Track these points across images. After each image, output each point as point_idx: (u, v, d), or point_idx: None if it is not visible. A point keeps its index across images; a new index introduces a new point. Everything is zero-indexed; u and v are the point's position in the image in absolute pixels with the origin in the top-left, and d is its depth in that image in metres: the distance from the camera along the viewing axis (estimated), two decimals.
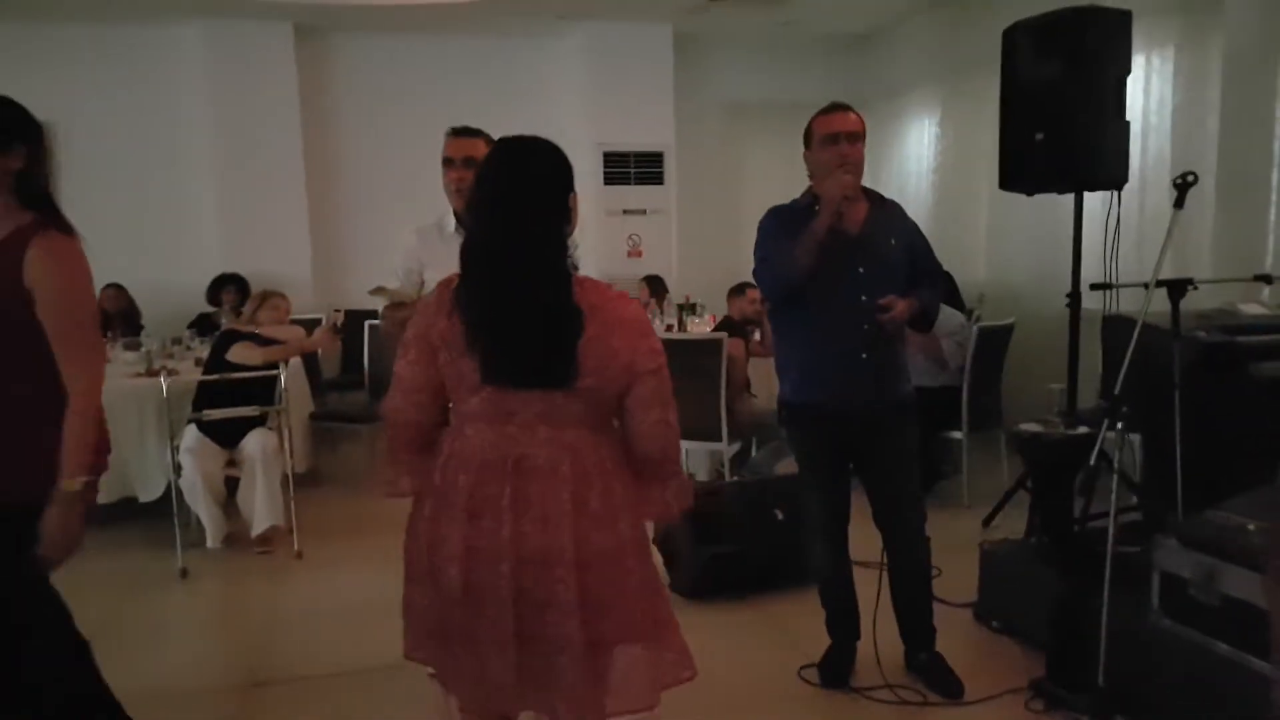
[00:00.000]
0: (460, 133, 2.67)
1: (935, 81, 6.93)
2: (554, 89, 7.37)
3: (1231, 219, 4.28)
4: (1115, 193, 3.41)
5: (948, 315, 4.97)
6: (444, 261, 2.44)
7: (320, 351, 5.53)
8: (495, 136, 2.54)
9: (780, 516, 3.60)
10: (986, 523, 4.24)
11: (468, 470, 1.63)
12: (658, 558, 3.53)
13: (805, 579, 3.26)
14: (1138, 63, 4.83)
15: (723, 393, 4.42)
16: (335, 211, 7.07)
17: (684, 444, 4.65)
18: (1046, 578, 2.95)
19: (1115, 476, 2.46)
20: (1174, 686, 2.44)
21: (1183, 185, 2.48)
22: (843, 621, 2.91)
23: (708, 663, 2.98)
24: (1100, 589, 2.48)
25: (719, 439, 4.47)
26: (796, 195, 2.84)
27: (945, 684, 2.77)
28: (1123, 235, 4.97)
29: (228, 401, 4.19)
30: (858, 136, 2.68)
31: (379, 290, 2.66)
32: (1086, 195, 3.52)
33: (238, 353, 4.27)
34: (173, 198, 6.75)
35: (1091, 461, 2.52)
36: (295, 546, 4.19)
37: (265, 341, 4.37)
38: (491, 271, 1.61)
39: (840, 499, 2.83)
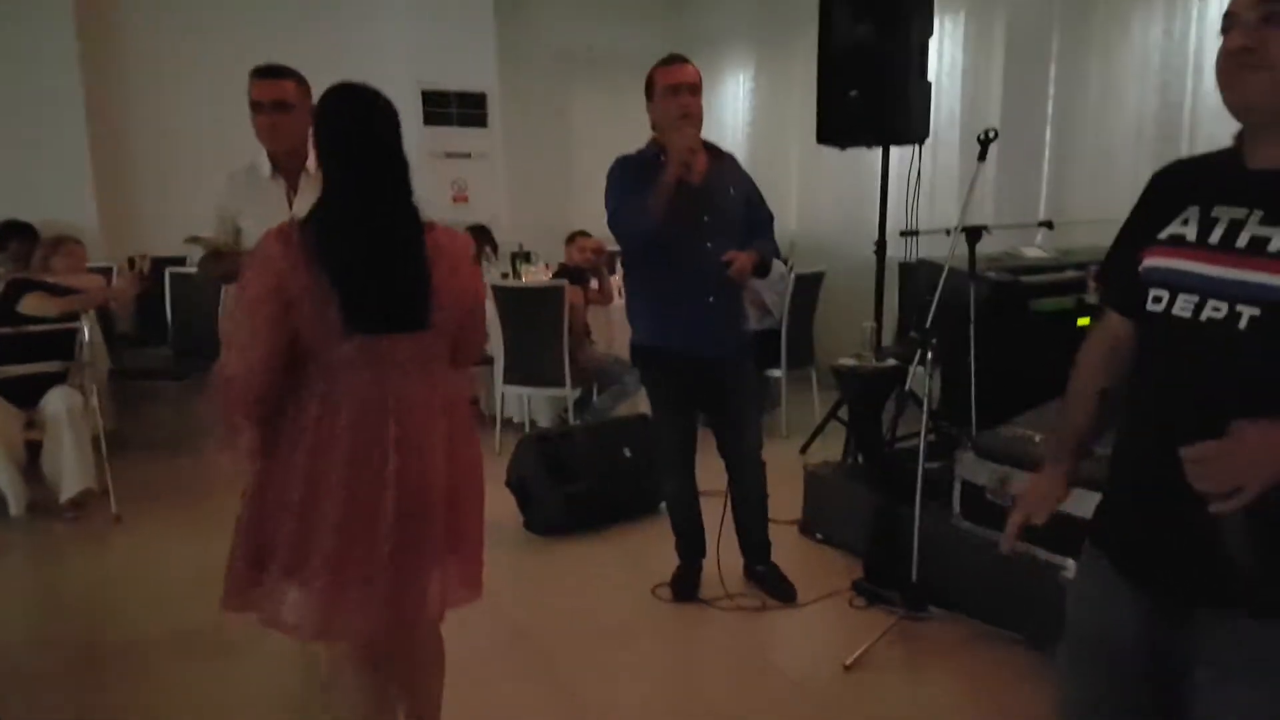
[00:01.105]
0: (266, 73, 2.49)
1: (751, 38, 7.21)
2: (370, 23, 7.04)
3: (1013, 172, 4.81)
4: (917, 147, 3.78)
5: (774, 264, 5.30)
6: (261, 207, 2.40)
7: (113, 304, 5.10)
8: (303, 74, 2.50)
9: (628, 454, 3.78)
10: (804, 450, 4.62)
11: (348, 414, 1.67)
12: (510, 500, 3.65)
13: (652, 510, 3.49)
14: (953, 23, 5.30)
15: (565, 340, 4.52)
16: (125, 154, 6.44)
17: (527, 390, 4.74)
18: (862, 493, 3.33)
19: (926, 400, 2.78)
20: (974, 579, 2.83)
21: (985, 140, 2.80)
22: (691, 542, 3.13)
23: (571, 594, 3.19)
24: (908, 500, 2.82)
25: (562, 385, 4.58)
26: (623, 143, 2.97)
27: (780, 590, 3.08)
28: (939, 185, 5.47)
29: (22, 357, 3.84)
30: (697, 89, 2.82)
31: (194, 239, 2.51)
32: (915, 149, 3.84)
33: (31, 303, 3.88)
34: None
35: (908, 388, 2.84)
36: (113, 509, 3.92)
37: (62, 291, 4.01)
38: (357, 221, 1.66)
39: (689, 432, 3.03)
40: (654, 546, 3.24)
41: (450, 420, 1.78)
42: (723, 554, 3.12)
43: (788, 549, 3.38)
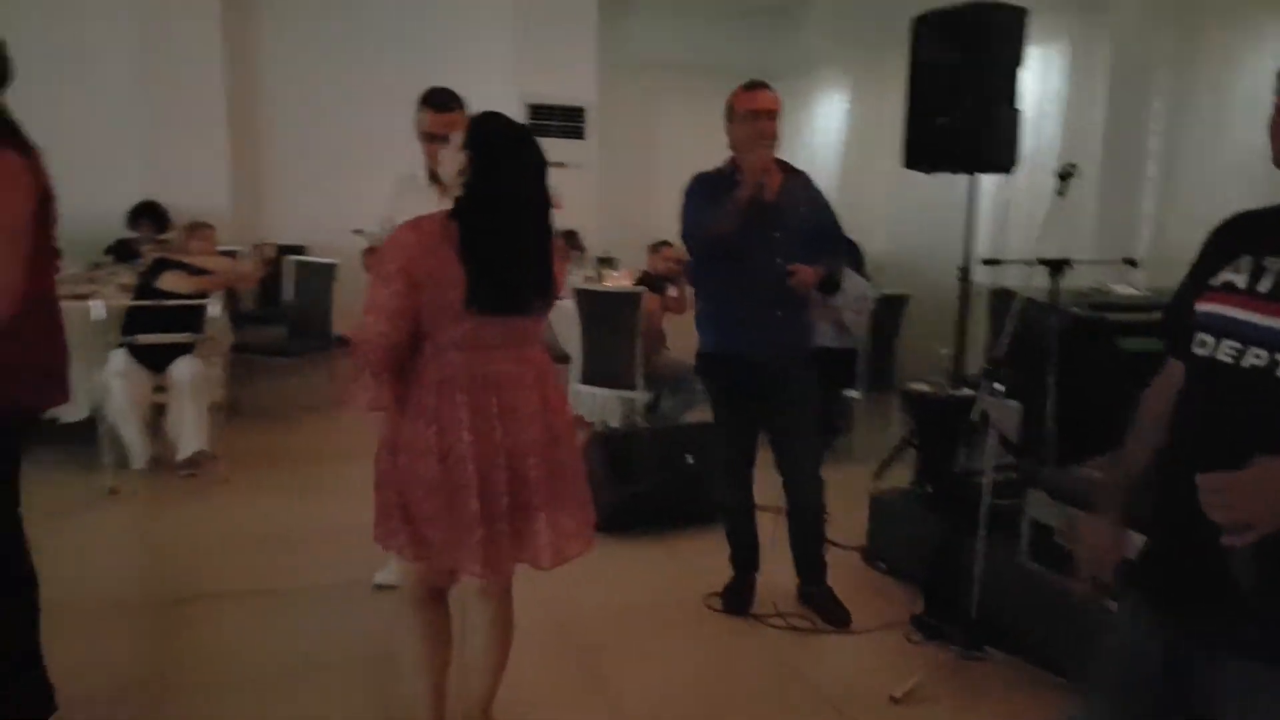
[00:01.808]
0: (440, 107, 2.81)
1: (848, 59, 7.22)
2: (480, 40, 7.36)
3: (1113, 205, 4.71)
4: (1005, 175, 3.76)
5: (855, 282, 5.32)
6: (417, 210, 2.62)
7: (245, 284, 5.54)
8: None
9: (690, 461, 3.90)
10: (877, 475, 4.62)
11: (462, 389, 1.97)
12: None
13: (711, 519, 3.57)
14: (1034, 55, 5.22)
15: (638, 344, 4.66)
16: (258, 146, 6.95)
17: (601, 391, 4.90)
18: (928, 524, 3.31)
19: (991, 431, 2.80)
20: (1037, 622, 2.79)
21: (1064, 175, 2.81)
22: (745, 555, 3.22)
23: (620, 591, 3.32)
24: (974, 534, 2.82)
25: (633, 387, 4.72)
26: (711, 156, 3.09)
27: (834, 614, 3.11)
28: (1013, 214, 5.40)
29: (158, 328, 4.23)
30: (775, 114, 2.93)
31: (358, 232, 2.94)
32: (983, 176, 3.84)
33: (170, 280, 4.29)
34: (90, 125, 6.48)
35: (974, 418, 2.85)
36: (222, 470, 4.29)
37: (197, 271, 4.40)
38: (509, 221, 1.96)
39: (748, 443, 3.12)
40: (711, 556, 3.33)
41: (542, 392, 2.06)
42: (780, 571, 3.19)
43: (849, 575, 3.43)
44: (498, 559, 2.02)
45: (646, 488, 3.80)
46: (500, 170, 1.94)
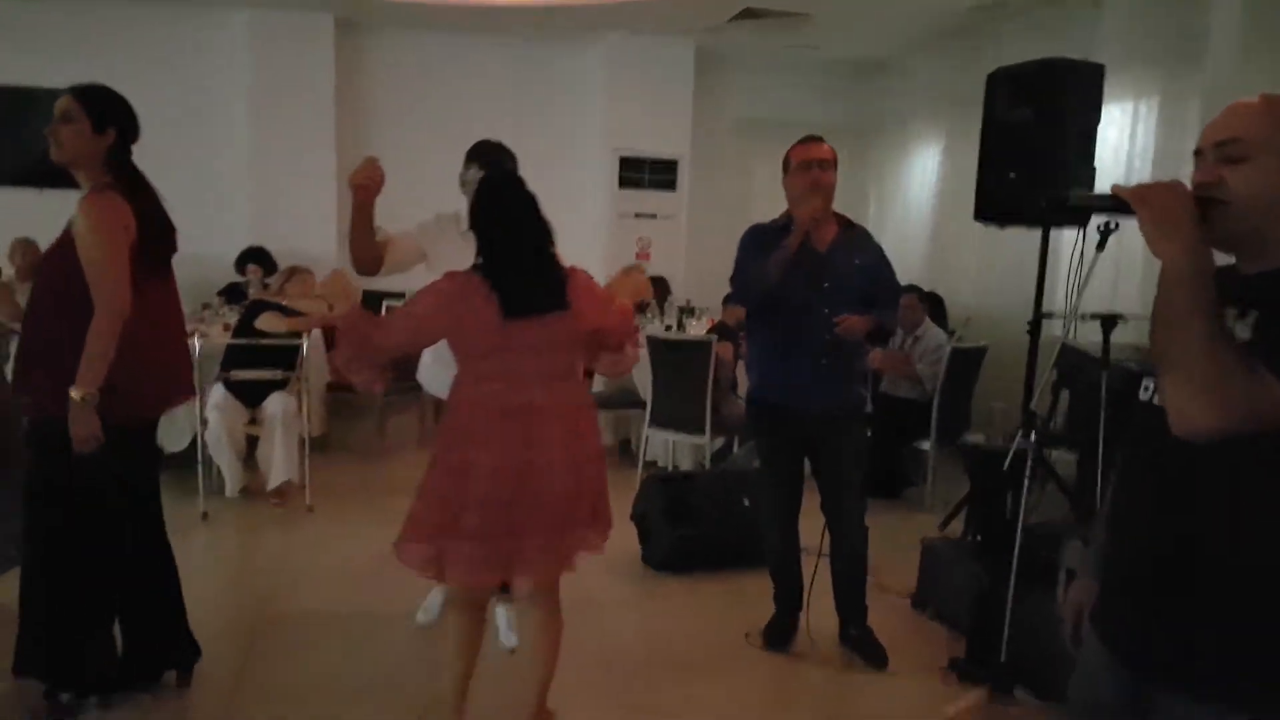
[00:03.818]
0: (499, 168, 2.85)
1: (939, 113, 7.24)
2: (576, 94, 7.74)
3: None
4: (1080, 230, 3.72)
5: (931, 334, 5.31)
6: (448, 249, 2.81)
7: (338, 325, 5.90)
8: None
9: (747, 504, 3.94)
10: (943, 525, 4.55)
11: (494, 415, 2.21)
12: (633, 532, 3.91)
13: (765, 562, 3.61)
14: (1124, 109, 5.17)
15: (709, 391, 4.76)
16: None
17: (671, 435, 5.01)
18: (974, 571, 3.28)
19: (1026, 483, 2.78)
20: (1068, 668, 2.75)
21: (1105, 231, 2.80)
22: (787, 595, 3.25)
23: (669, 626, 3.39)
24: (1021, 583, 2.82)
25: (703, 433, 4.81)
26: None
27: (871, 654, 3.11)
28: (1100, 270, 5.25)
29: (253, 364, 4.58)
30: (829, 164, 3.01)
31: (380, 229, 2.94)
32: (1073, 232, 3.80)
33: (265, 321, 4.65)
34: (208, 173, 7.11)
35: (1022, 469, 2.84)
36: (307, 501, 4.58)
37: (291, 312, 4.76)
38: (513, 246, 2.29)
39: (793, 487, 3.17)
40: (759, 596, 3.36)
41: (567, 421, 2.27)
42: (822, 613, 3.21)
43: (895, 619, 3.43)
44: (526, 567, 2.25)
45: (701, 529, 3.87)
46: (496, 215, 2.31)
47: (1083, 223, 3.73)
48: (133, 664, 2.68)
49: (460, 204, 2.95)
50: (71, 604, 2.53)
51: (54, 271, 2.42)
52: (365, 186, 2.64)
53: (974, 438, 3.52)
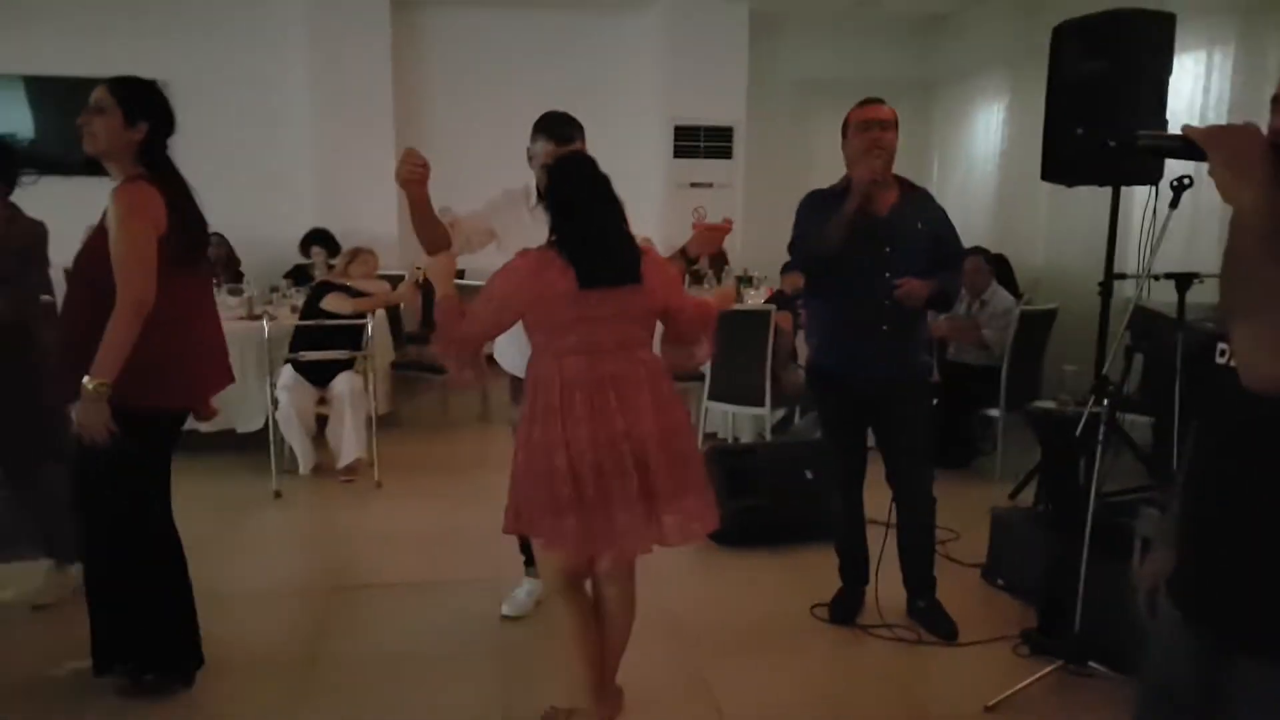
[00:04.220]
0: (564, 139, 2.77)
1: (1005, 67, 7.01)
2: (630, 64, 7.67)
3: None
4: (1153, 188, 3.57)
5: (999, 298, 5.17)
6: (515, 224, 2.82)
7: (403, 305, 6.00)
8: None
9: (809, 476, 3.91)
10: (1013, 495, 4.46)
11: (581, 389, 2.23)
12: None
13: (829, 535, 3.58)
14: (1198, 59, 4.93)
15: (768, 361, 4.72)
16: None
17: (731, 408, 4.98)
18: (1046, 540, 3.21)
19: (1099, 449, 2.70)
20: (1145, 640, 2.68)
21: (1178, 188, 2.68)
22: (853, 567, 3.22)
23: (732, 599, 3.40)
24: (1094, 552, 2.74)
25: (763, 404, 4.78)
26: None
27: (940, 627, 3.08)
28: (1175, 228, 5.05)
29: (321, 345, 4.68)
30: (889, 125, 2.93)
31: (447, 209, 2.92)
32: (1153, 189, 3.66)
33: (331, 302, 4.74)
34: (271, 156, 7.24)
35: (1094, 436, 2.76)
36: (376, 477, 4.69)
37: (356, 293, 4.85)
38: (587, 222, 2.30)
39: (856, 456, 3.13)
40: (823, 570, 3.35)
41: (653, 390, 2.29)
42: (890, 585, 3.18)
43: (965, 591, 3.39)
44: (629, 540, 2.26)
45: (763, 501, 3.85)
46: (570, 194, 2.32)
47: (1155, 179, 3.59)
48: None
49: (527, 177, 2.92)
50: (142, 588, 2.57)
51: (89, 262, 2.43)
52: (413, 180, 2.60)
53: (1044, 404, 3.41)
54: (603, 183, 2.34)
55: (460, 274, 6.57)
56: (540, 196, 2.81)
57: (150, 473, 2.56)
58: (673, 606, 3.28)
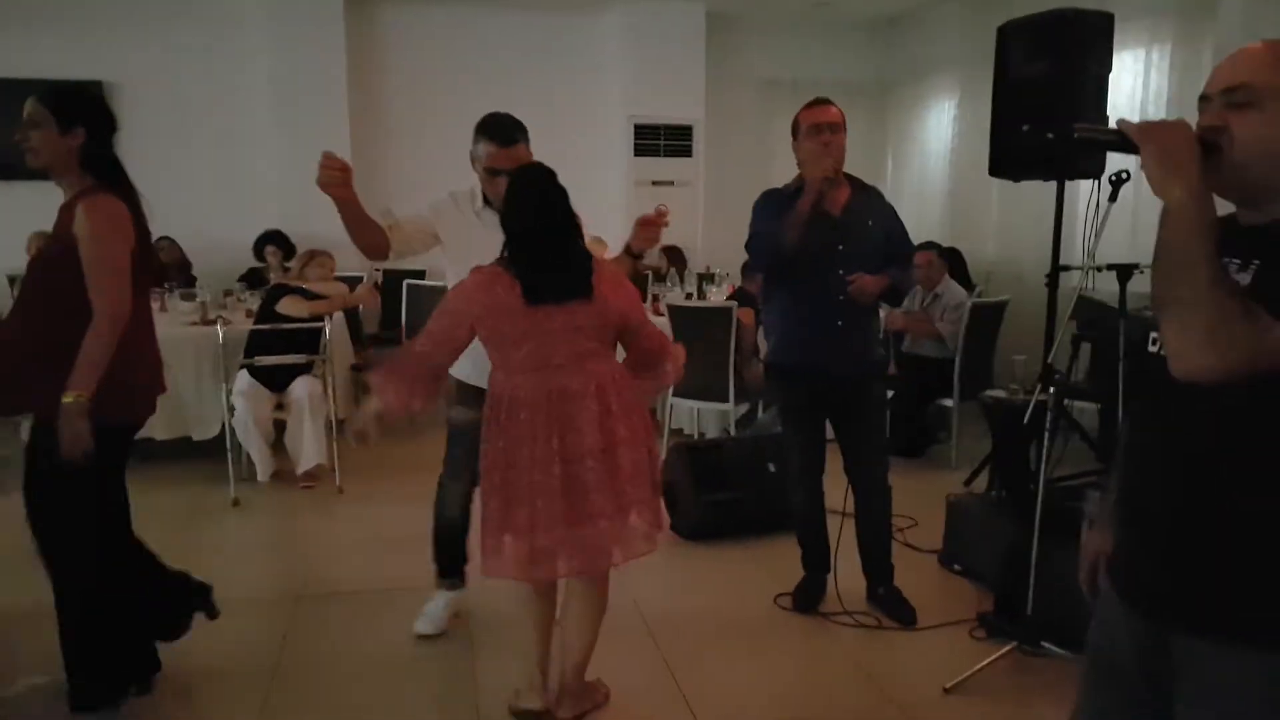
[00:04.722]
0: (505, 141, 2.72)
1: (957, 67, 7.14)
2: (590, 63, 7.68)
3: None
4: (1095, 181, 3.68)
5: (951, 291, 5.28)
6: (461, 229, 2.81)
7: (361, 307, 5.95)
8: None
9: (772, 469, 3.97)
10: (968, 483, 4.56)
11: (525, 406, 2.27)
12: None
13: (792, 526, 3.65)
14: (1138, 57, 5.09)
15: (731, 357, 4.77)
16: (380, 176, 7.45)
17: (695, 404, 5.03)
18: (1002, 527, 3.30)
19: (1047, 435, 2.78)
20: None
21: (1116, 182, 2.78)
22: (815, 557, 3.28)
23: (701, 592, 3.44)
24: (1046, 536, 2.83)
25: (726, 400, 4.83)
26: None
27: (900, 612, 3.15)
28: (1117, 221, 5.20)
29: (277, 350, 4.61)
30: (839, 127, 2.99)
31: (388, 212, 2.91)
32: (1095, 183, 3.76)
33: (287, 305, 4.67)
34: (226, 157, 7.12)
35: (1042, 422, 2.84)
36: (337, 483, 4.65)
37: (312, 296, 4.78)
38: (537, 239, 2.32)
39: (816, 448, 3.19)
40: (786, 559, 3.40)
41: (603, 402, 2.30)
42: (850, 573, 3.25)
43: (923, 577, 3.46)
44: (570, 560, 2.30)
45: (729, 496, 3.90)
46: (522, 213, 2.33)
47: (1097, 174, 3.71)
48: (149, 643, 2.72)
49: (472, 180, 2.90)
50: (107, 605, 2.52)
51: (49, 273, 2.38)
52: (332, 184, 2.54)
53: (996, 393, 3.50)
54: (557, 200, 2.35)
55: (421, 274, 6.56)
56: (485, 201, 2.85)
57: (109, 486, 2.53)
58: (640, 600, 3.31)
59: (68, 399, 2.26)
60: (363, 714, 2.67)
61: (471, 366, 2.84)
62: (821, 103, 3.05)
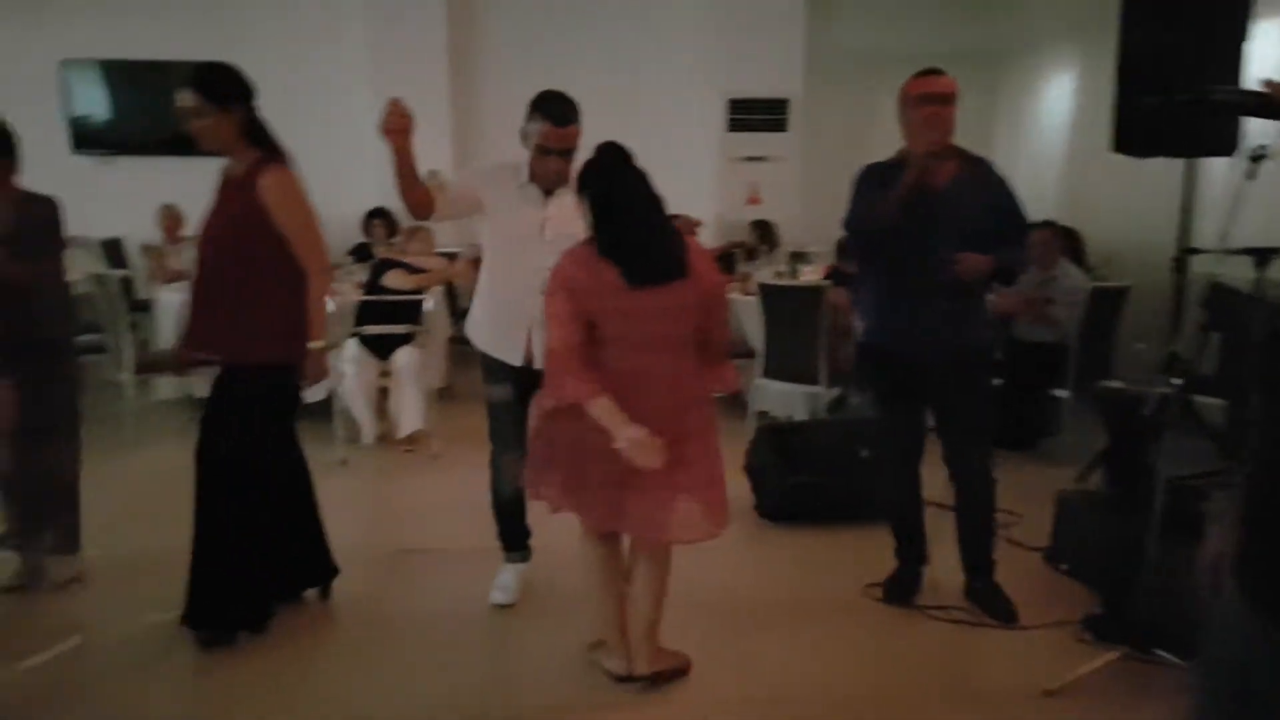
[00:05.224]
0: (562, 121, 2.70)
1: (1075, 37, 6.77)
2: (682, 37, 7.58)
3: None
4: (1231, 158, 3.42)
5: (1068, 273, 5.02)
6: (504, 200, 2.83)
7: (458, 281, 6.06)
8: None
9: (865, 455, 3.85)
10: (1080, 479, 4.34)
11: (610, 377, 2.29)
12: (745, 482, 3.90)
13: (883, 515, 3.50)
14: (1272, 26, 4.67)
15: (821, 339, 4.65)
16: (477, 152, 7.55)
17: (784, 386, 4.93)
18: (1115, 526, 3.11)
19: (1168, 430, 2.61)
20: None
21: (1257, 157, 2.55)
22: (909, 548, 3.17)
23: (783, 576, 3.38)
24: (1163, 537, 2.67)
25: (816, 382, 4.72)
26: None
27: (999, 609, 3.01)
28: (1256, 200, 4.85)
29: (383, 320, 4.78)
30: (948, 99, 2.84)
31: (434, 173, 2.95)
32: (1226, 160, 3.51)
33: (392, 279, 4.84)
34: (330, 136, 7.33)
35: (1165, 416, 2.67)
36: (435, 447, 4.79)
37: (415, 270, 4.92)
38: (631, 227, 2.32)
39: (911, 437, 3.07)
40: (875, 550, 3.31)
41: (678, 394, 2.36)
42: (947, 567, 3.13)
43: (1026, 575, 3.31)
44: (622, 519, 2.39)
45: (815, 479, 3.81)
46: (613, 202, 2.32)
47: (1230, 149, 3.44)
48: (280, 582, 2.98)
49: (521, 155, 2.86)
50: (249, 548, 2.79)
51: (236, 237, 2.66)
52: (395, 131, 2.67)
53: (1113, 384, 3.30)
54: (644, 178, 2.34)
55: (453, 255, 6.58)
56: (531, 176, 2.84)
57: (287, 425, 2.90)
58: (721, 581, 3.29)
59: (315, 345, 2.71)
60: (451, 667, 2.78)
61: (492, 338, 2.90)
62: (933, 72, 2.90)
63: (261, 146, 2.69)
